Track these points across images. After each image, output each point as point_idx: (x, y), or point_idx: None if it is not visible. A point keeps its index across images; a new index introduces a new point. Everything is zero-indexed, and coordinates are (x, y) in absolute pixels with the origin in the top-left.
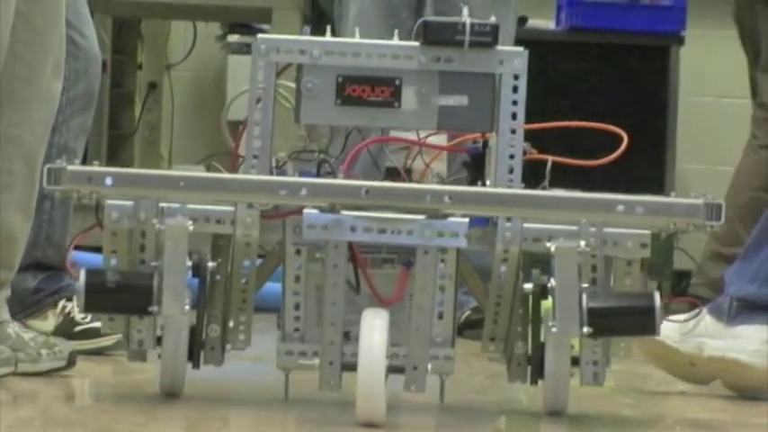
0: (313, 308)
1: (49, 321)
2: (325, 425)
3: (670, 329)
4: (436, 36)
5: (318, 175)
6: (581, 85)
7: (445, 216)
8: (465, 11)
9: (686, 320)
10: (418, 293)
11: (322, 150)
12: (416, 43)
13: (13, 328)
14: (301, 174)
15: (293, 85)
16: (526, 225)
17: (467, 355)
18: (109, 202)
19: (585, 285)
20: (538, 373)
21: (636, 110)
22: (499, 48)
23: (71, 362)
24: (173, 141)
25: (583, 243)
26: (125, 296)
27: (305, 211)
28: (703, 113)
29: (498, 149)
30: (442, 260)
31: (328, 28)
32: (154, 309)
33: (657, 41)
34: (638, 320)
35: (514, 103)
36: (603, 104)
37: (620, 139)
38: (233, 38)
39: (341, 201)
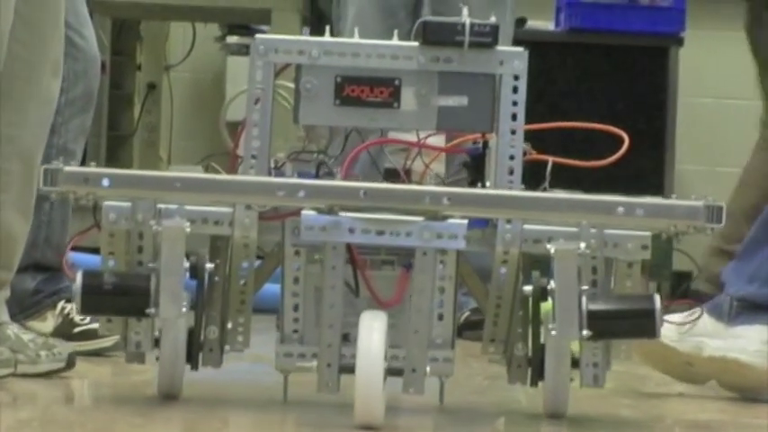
0: (312, 309)
1: (48, 322)
2: (324, 427)
3: (668, 329)
4: (436, 36)
5: (317, 175)
6: (580, 86)
7: (444, 217)
8: (465, 11)
9: (682, 324)
10: (417, 295)
11: (321, 151)
12: (416, 43)
13: (13, 329)
14: (300, 174)
15: (292, 85)
16: (526, 226)
17: (466, 356)
18: (106, 203)
19: (585, 287)
20: (538, 374)
21: (635, 111)
22: (499, 48)
23: (70, 363)
24: (172, 142)
25: (583, 245)
26: (122, 298)
27: (303, 212)
28: (703, 114)
29: (498, 150)
30: (442, 262)
31: (327, 29)
32: (151, 311)
33: (657, 42)
34: (639, 323)
35: (514, 103)
36: (603, 105)
37: (620, 140)
38: (232, 39)
39: (339, 202)
